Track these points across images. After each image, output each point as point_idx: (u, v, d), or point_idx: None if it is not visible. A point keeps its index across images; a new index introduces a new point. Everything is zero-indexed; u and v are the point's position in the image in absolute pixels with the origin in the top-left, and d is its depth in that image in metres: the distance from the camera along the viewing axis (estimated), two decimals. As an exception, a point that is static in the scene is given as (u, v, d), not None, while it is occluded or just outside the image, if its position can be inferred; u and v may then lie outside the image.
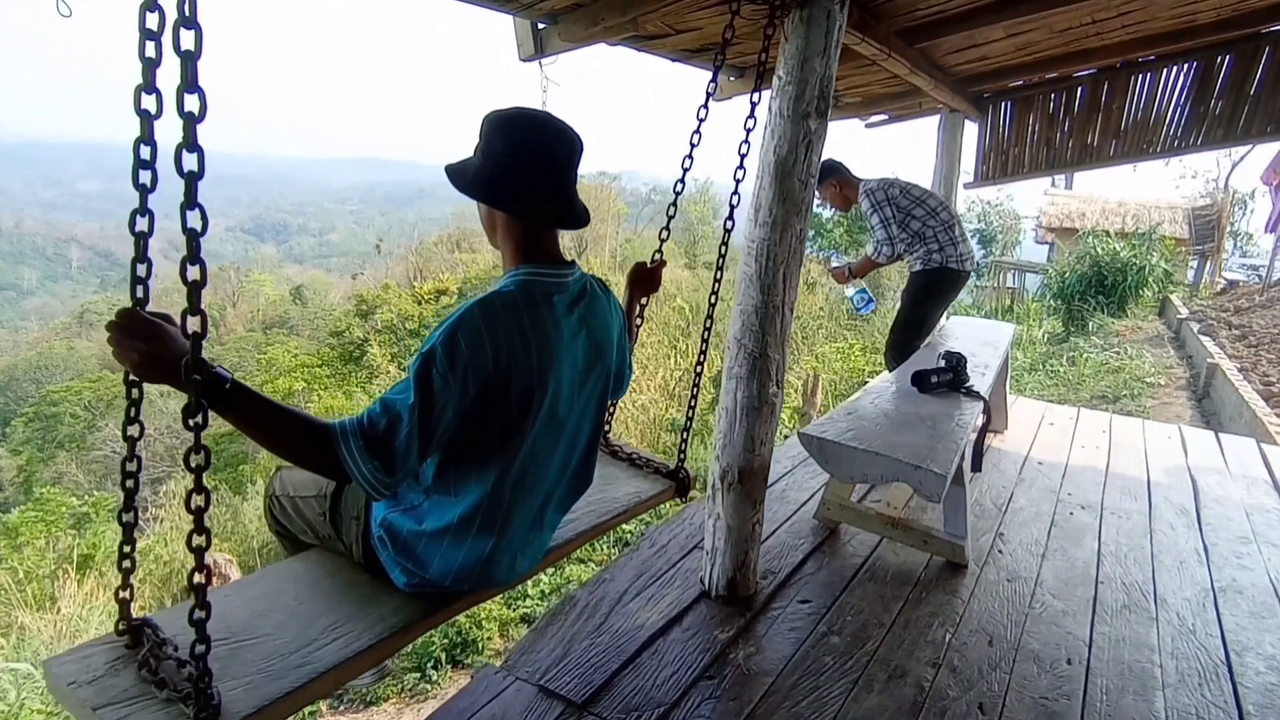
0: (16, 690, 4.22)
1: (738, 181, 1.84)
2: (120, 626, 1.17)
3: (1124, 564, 2.50)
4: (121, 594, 1.15)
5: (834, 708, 1.69)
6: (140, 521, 1.20)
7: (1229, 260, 16.28)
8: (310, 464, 1.13)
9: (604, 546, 6.00)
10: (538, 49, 2.39)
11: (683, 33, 2.48)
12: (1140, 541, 2.69)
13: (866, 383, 6.65)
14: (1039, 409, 4.38)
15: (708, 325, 2.01)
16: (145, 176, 0.91)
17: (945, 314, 3.96)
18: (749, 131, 1.82)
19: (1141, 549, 2.63)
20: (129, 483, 1.10)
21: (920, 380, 2.61)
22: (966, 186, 4.87)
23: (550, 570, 5.28)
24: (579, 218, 1.30)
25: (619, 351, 1.50)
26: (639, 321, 1.87)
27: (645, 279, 1.83)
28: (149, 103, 0.87)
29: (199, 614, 1.01)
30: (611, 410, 1.89)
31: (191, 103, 0.85)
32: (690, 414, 2.12)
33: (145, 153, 0.90)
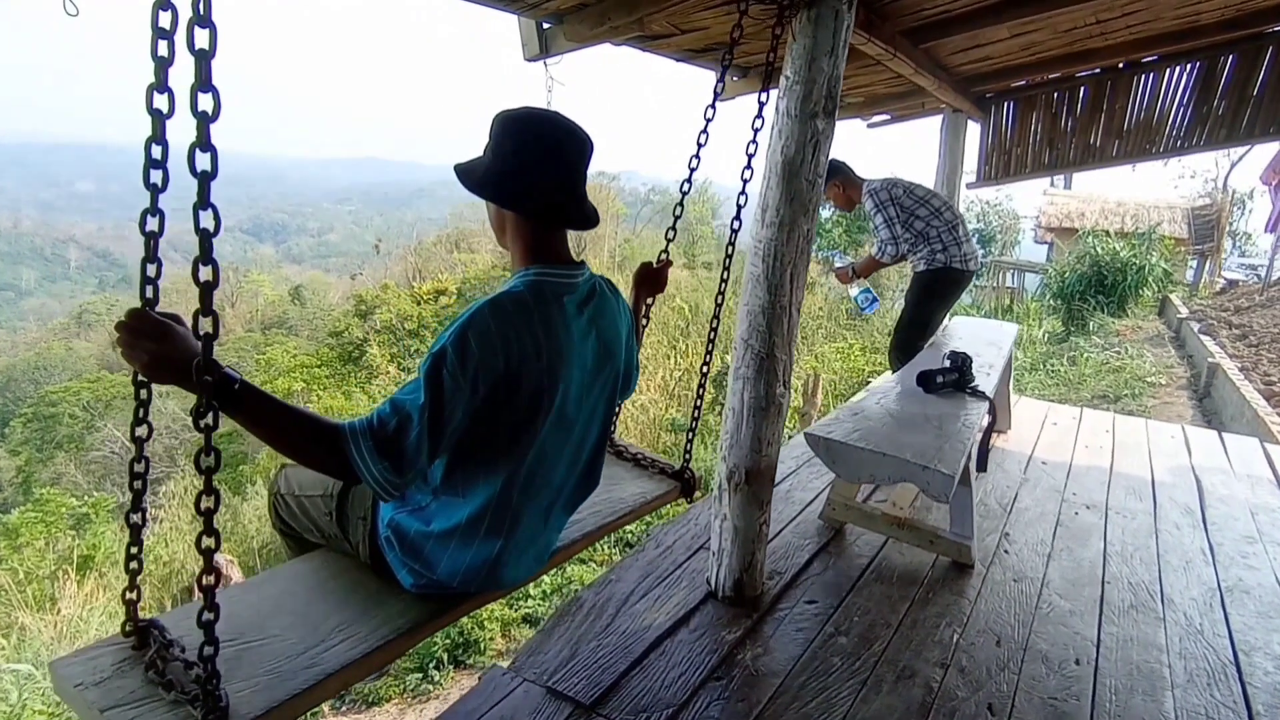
0: (18, 691, 4.21)
1: (745, 182, 1.83)
2: (127, 628, 1.16)
3: (1130, 564, 2.50)
4: (129, 595, 1.14)
5: (843, 708, 1.69)
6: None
7: (1228, 260, 16.30)
8: (319, 464, 1.12)
9: (605, 546, 5.99)
10: (543, 49, 2.38)
11: (688, 32, 2.47)
12: (1146, 541, 2.69)
13: (867, 383, 6.65)
14: (1042, 409, 4.37)
15: (714, 325, 2.00)
16: (156, 176, 0.90)
17: (948, 314, 3.96)
18: (756, 131, 1.82)
19: (1147, 549, 2.63)
20: (137, 484, 1.10)
21: (926, 380, 2.60)
22: (969, 186, 4.86)
23: (552, 570, 5.27)
24: (588, 219, 1.30)
25: (627, 352, 1.49)
26: (644, 321, 1.87)
27: (651, 279, 1.82)
28: (161, 101, 0.86)
29: (208, 616, 1.00)
30: (616, 411, 1.89)
31: (205, 102, 0.84)
32: (696, 414, 2.11)
33: (157, 152, 0.89)
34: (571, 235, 1.36)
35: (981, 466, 2.83)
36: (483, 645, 4.78)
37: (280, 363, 14.18)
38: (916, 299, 3.51)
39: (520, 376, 1.19)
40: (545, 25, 2.38)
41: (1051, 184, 16.78)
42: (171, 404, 11.91)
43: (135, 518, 1.11)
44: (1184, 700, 1.81)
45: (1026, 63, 3.64)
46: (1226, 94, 3.75)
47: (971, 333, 3.68)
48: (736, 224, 1.87)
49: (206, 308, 0.91)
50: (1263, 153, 13.27)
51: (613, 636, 1.90)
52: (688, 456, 1.99)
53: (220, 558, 5.28)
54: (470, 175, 1.26)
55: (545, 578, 5.25)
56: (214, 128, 0.86)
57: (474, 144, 1.32)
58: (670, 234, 1.86)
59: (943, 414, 2.39)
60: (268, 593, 1.36)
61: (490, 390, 1.16)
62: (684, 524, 2.56)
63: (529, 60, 2.43)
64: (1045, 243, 16.12)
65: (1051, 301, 10.97)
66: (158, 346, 0.95)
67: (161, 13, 0.83)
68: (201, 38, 0.82)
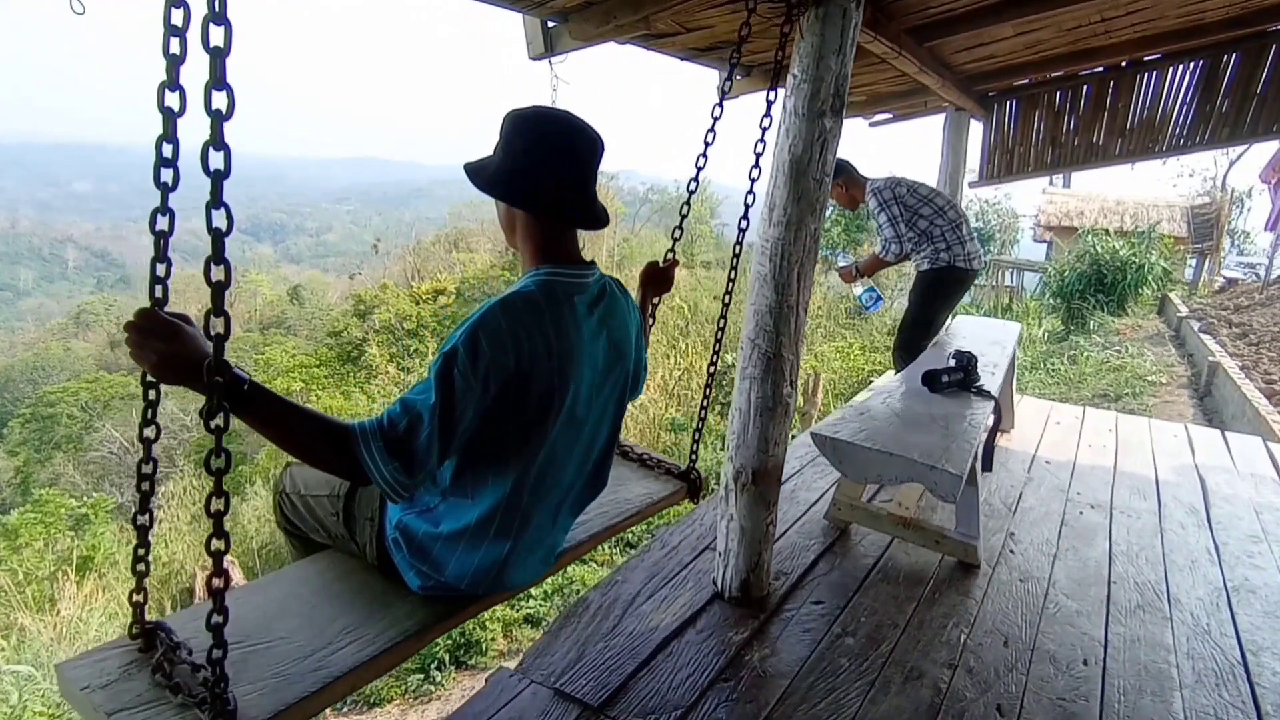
0: (19, 692, 4.19)
1: (753, 181, 1.82)
2: (134, 630, 1.15)
3: (1136, 563, 2.49)
4: (135, 597, 1.13)
5: (851, 709, 1.68)
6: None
7: (1227, 258, 16.33)
8: (328, 465, 1.12)
9: (605, 547, 5.98)
10: (547, 47, 2.37)
11: (693, 31, 2.46)
12: (1151, 541, 2.68)
13: (868, 382, 6.64)
14: (1044, 408, 4.37)
15: (721, 325, 1.99)
16: (167, 174, 0.89)
17: (951, 314, 3.95)
18: (764, 130, 1.81)
19: (1153, 548, 2.62)
20: (144, 485, 1.09)
21: (931, 380, 2.60)
22: (971, 185, 4.86)
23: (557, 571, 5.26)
24: (598, 218, 1.29)
25: (636, 353, 1.48)
26: (651, 321, 1.86)
27: (658, 278, 1.82)
28: (172, 99, 0.85)
29: (216, 618, 0.99)
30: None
31: (219, 100, 0.83)
32: (702, 415, 2.10)
33: (168, 150, 0.88)
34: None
35: (987, 466, 2.82)
36: (484, 646, 4.76)
37: (279, 363, 14.14)
38: (920, 298, 3.51)
39: (531, 376, 1.18)
40: (550, 24, 2.37)
41: (1050, 183, 16.79)
42: (171, 404, 11.88)
43: (142, 519, 1.10)
44: (1192, 701, 1.81)
45: (1030, 61, 3.63)
46: (1230, 92, 3.74)
47: (975, 332, 3.67)
48: (744, 223, 1.86)
49: (219, 308, 0.90)
50: (1261, 151, 13.30)
51: (619, 638, 1.89)
52: (694, 457, 1.97)
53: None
54: (480, 174, 1.25)
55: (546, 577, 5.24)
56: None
57: (474, 144, 1.32)
58: (677, 233, 1.85)
59: (948, 413, 2.38)
60: (274, 594, 1.35)
61: (501, 390, 1.15)
62: (689, 524, 2.55)
63: (534, 59, 2.42)
64: (1044, 241, 16.12)
65: (1051, 300, 10.97)
66: (167, 347, 0.94)
67: (174, 10, 0.82)
68: (217, 35, 0.81)
